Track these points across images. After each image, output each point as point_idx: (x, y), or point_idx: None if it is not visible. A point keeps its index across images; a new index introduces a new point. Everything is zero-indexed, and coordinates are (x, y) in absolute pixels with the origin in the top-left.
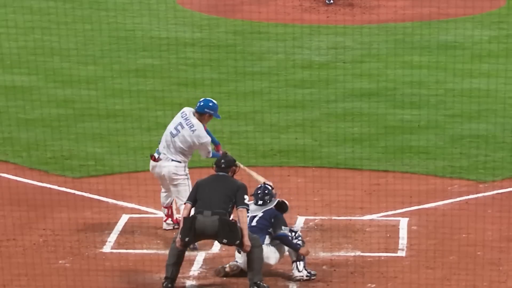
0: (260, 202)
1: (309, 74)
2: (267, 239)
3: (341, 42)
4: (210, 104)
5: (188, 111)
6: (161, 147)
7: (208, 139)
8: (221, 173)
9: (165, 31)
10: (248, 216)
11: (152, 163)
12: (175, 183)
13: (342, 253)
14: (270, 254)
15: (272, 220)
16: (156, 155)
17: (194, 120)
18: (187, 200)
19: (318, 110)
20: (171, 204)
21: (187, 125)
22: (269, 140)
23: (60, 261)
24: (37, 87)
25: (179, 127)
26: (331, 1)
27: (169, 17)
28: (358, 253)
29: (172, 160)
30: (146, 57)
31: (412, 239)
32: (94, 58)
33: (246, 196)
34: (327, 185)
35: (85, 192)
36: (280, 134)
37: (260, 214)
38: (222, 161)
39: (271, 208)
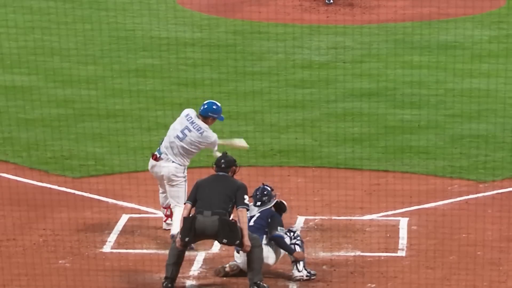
0: (258, 203)
1: (309, 74)
2: (264, 239)
3: (341, 42)
4: (214, 107)
5: (193, 113)
6: (163, 147)
7: (215, 136)
8: (221, 173)
9: (165, 31)
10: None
11: (152, 162)
12: (173, 184)
13: (342, 253)
14: (269, 254)
15: (269, 220)
16: (157, 154)
17: (200, 123)
18: (187, 200)
19: (318, 110)
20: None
21: (194, 128)
22: (269, 140)
23: (60, 261)
24: (37, 87)
25: (186, 131)
26: (331, 1)
27: (169, 17)
28: (358, 253)
29: (173, 161)
30: (146, 57)
31: (412, 239)
32: (94, 58)
33: (246, 196)
34: (327, 185)
35: (85, 192)
36: (280, 134)
37: (258, 214)
38: (222, 161)
39: (269, 208)
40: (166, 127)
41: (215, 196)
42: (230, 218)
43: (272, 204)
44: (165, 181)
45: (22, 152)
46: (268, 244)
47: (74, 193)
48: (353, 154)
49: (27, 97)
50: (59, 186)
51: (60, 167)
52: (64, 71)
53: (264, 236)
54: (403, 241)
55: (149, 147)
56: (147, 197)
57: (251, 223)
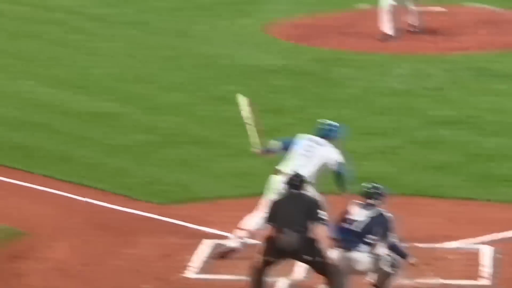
0: (370, 201)
1: (390, 101)
2: (364, 247)
3: (423, 70)
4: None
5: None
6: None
7: None
8: (295, 191)
9: (251, 58)
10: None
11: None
12: None
13: (424, 280)
14: (363, 259)
15: (381, 229)
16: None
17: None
18: (266, 220)
19: (400, 137)
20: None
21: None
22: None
23: (144, 286)
24: (123, 113)
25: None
26: (415, 29)
27: (255, 44)
28: (440, 280)
29: None
30: (230, 84)
31: (496, 267)
32: (179, 85)
33: (322, 211)
34: (408, 213)
35: (170, 218)
36: (361, 161)
37: (367, 220)
38: (296, 179)
39: (381, 215)
40: (249, 153)
41: (293, 214)
42: (310, 235)
43: (381, 212)
44: None
45: (107, 178)
46: (368, 253)
47: (159, 219)
48: (435, 181)
49: (114, 123)
50: (143, 211)
51: (145, 192)
52: (150, 97)
53: (361, 245)
54: (486, 269)
55: (234, 174)
56: (231, 223)
57: (353, 227)
